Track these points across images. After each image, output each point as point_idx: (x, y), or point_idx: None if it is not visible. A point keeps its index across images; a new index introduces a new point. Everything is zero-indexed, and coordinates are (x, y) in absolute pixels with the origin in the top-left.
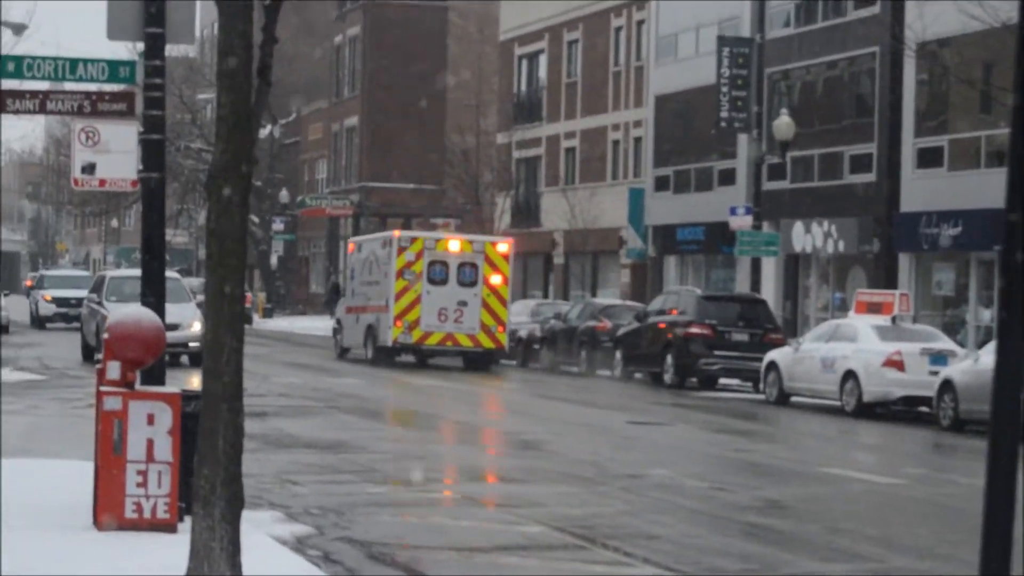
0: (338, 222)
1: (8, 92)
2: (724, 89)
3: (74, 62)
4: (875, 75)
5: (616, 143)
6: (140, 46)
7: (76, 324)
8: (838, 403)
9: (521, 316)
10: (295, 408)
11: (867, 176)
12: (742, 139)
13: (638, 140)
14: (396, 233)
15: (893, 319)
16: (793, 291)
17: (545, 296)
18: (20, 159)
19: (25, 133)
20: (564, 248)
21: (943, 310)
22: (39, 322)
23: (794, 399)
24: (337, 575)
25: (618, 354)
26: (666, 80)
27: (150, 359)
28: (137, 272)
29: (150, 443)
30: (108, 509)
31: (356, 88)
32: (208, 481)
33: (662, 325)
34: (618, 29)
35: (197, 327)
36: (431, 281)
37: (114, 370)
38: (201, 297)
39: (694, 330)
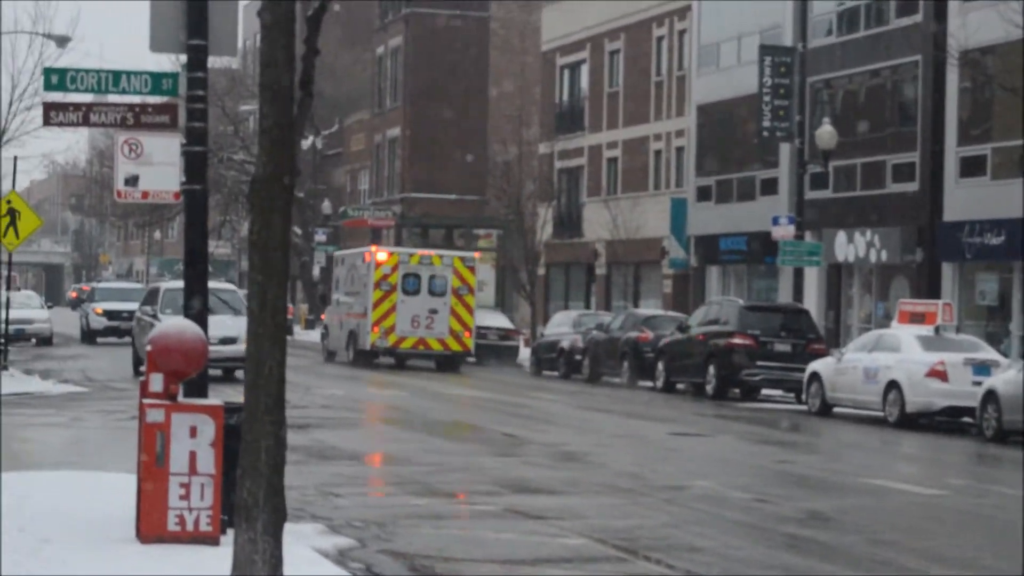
0: (380, 233)
1: (52, 104)
2: (766, 98)
3: (117, 74)
4: (918, 83)
5: (658, 153)
6: (182, 58)
7: (128, 339)
8: (881, 414)
9: (563, 327)
10: (337, 420)
11: (910, 185)
12: (784, 148)
13: (680, 150)
14: (373, 248)
15: (936, 329)
16: (836, 301)
17: (587, 307)
18: (63, 171)
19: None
20: (606, 258)
21: (986, 320)
22: (90, 336)
23: (837, 410)
24: None
25: (660, 365)
26: (708, 89)
27: (193, 371)
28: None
29: (193, 455)
30: (151, 521)
31: (398, 99)
32: (251, 494)
33: (703, 336)
34: (660, 39)
35: None
36: (405, 291)
37: (157, 382)
38: None
39: (736, 341)
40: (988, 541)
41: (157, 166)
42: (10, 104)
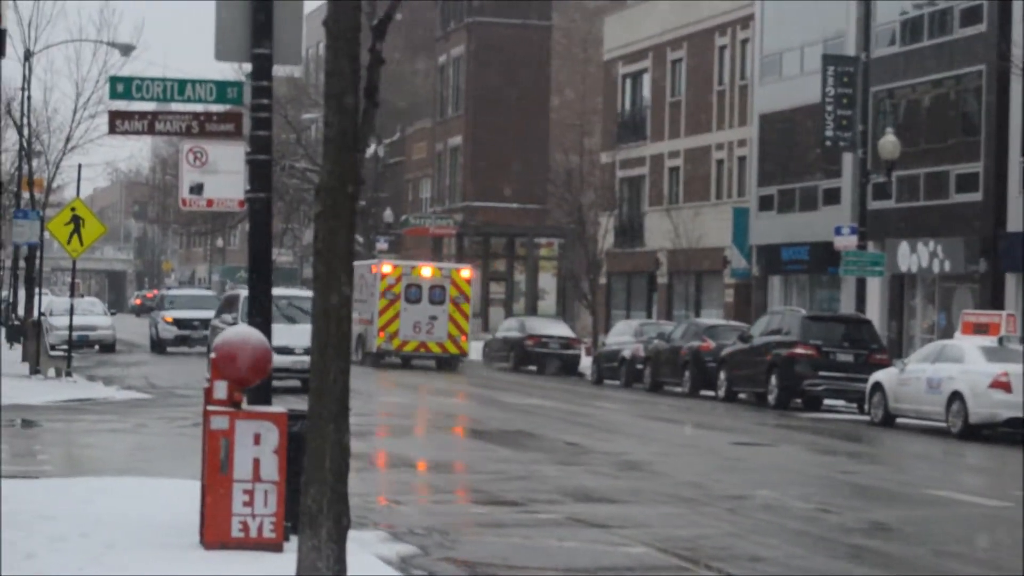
0: (441, 241)
1: (117, 113)
2: (829, 108)
3: (182, 83)
4: (982, 93)
5: (720, 162)
6: (246, 66)
7: (200, 348)
8: (944, 424)
9: (624, 336)
10: (400, 427)
11: (973, 195)
12: (847, 158)
13: (742, 159)
14: (380, 262)
15: (1000, 340)
16: (898, 311)
17: (648, 316)
18: (126, 178)
19: (131, 153)
20: (668, 268)
21: None
22: (159, 346)
23: (899, 420)
24: None
25: (722, 374)
26: (770, 99)
27: (256, 379)
28: (276, 292)
29: (256, 462)
30: (215, 527)
31: (460, 107)
32: (315, 501)
33: (766, 347)
34: (722, 48)
35: None
36: (408, 300)
37: (221, 389)
38: None
39: (799, 351)
40: None
41: (222, 174)
42: (75, 112)
